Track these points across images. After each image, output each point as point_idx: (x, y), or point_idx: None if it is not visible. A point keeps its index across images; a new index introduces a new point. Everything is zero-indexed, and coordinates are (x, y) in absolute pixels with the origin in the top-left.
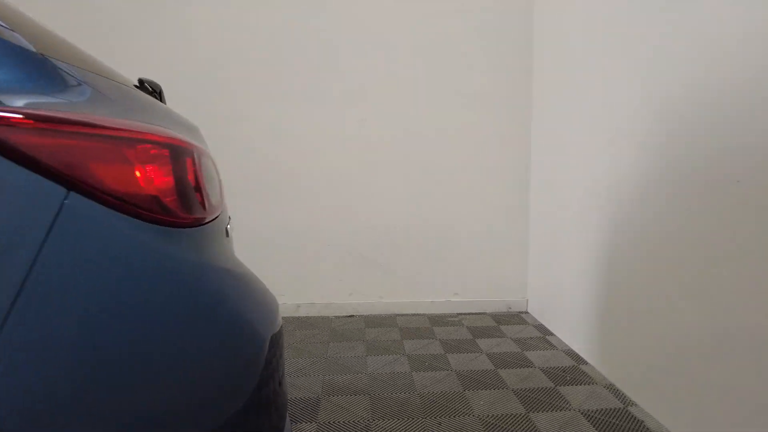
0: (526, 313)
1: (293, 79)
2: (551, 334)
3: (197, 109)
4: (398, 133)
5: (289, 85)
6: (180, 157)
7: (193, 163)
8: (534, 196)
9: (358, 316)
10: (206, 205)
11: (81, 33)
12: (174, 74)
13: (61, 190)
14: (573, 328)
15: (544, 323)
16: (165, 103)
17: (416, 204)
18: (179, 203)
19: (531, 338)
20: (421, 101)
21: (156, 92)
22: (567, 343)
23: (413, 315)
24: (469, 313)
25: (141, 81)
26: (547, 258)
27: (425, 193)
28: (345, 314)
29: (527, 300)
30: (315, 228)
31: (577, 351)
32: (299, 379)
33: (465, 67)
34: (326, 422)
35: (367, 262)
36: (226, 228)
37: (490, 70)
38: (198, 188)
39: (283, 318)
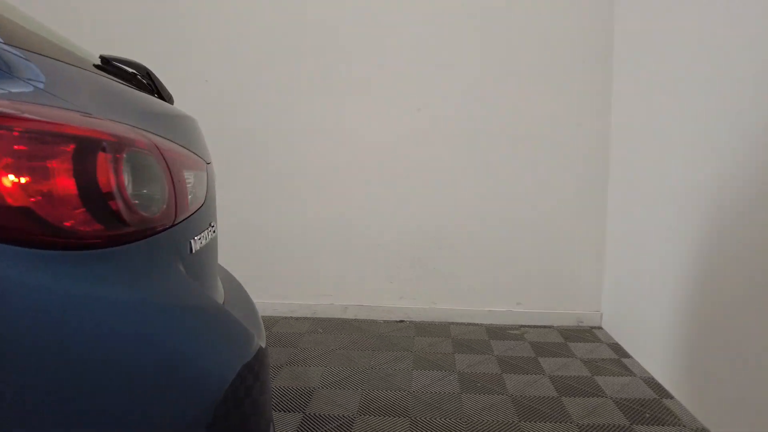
0: (600, 329)
1: (340, 67)
2: (628, 356)
3: (245, 106)
4: (456, 125)
5: (337, 75)
6: (89, 153)
7: (112, 161)
8: (614, 194)
9: (409, 321)
10: (126, 216)
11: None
12: (224, 72)
13: None
14: (656, 352)
15: (620, 342)
16: (158, 89)
17: (475, 203)
18: (83, 215)
19: (604, 360)
20: (482, 90)
21: (134, 74)
22: (647, 369)
23: (469, 324)
24: (532, 326)
25: (106, 60)
26: (627, 266)
27: (485, 191)
28: (395, 319)
29: (601, 314)
30: (363, 226)
31: (659, 380)
32: (336, 391)
33: (532, 53)
34: None
35: (419, 264)
36: (190, 243)
37: (561, 56)
38: (110, 194)
39: (330, 319)
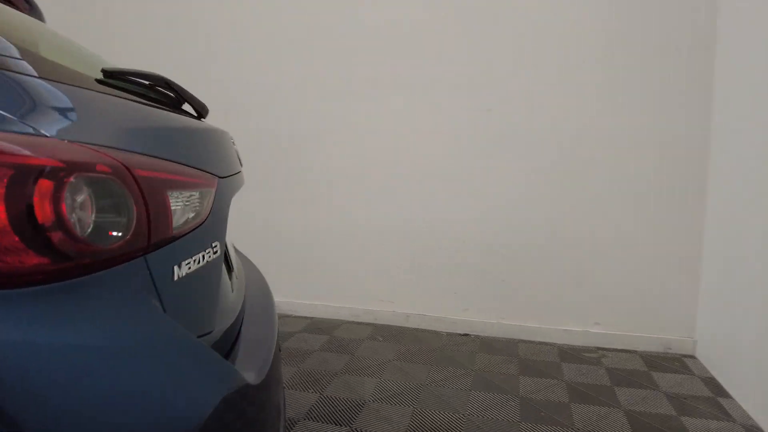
0: (692, 358)
1: (401, 64)
2: (727, 395)
3: (295, 111)
4: (527, 129)
5: (400, 73)
6: (26, 181)
7: (54, 188)
8: (714, 204)
9: (474, 336)
10: (67, 248)
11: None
12: (277, 76)
13: None
14: (764, 393)
15: (717, 377)
16: (184, 98)
17: (549, 211)
18: (16, 249)
19: (695, 397)
20: (556, 91)
21: (150, 86)
22: (751, 414)
23: (540, 344)
24: (612, 349)
25: (109, 73)
26: (730, 288)
27: (561, 198)
28: (458, 332)
29: (695, 341)
30: (427, 232)
31: (766, 430)
32: (386, 406)
33: (615, 46)
34: None
35: (486, 275)
36: (174, 269)
37: (651, 46)
38: (47, 225)
39: (391, 327)
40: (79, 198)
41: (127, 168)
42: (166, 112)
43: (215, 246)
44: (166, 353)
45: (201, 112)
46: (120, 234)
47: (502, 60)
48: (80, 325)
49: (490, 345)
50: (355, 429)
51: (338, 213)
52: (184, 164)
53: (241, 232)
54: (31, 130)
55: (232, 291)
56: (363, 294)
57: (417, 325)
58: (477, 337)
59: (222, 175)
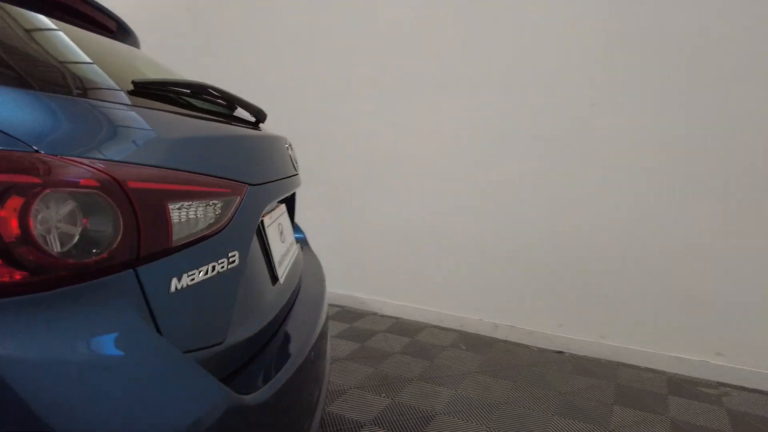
0: None
1: (494, 60)
2: None
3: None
4: (643, 126)
5: (497, 65)
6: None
7: (23, 204)
8: None
9: (569, 354)
10: (28, 261)
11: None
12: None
13: None
14: None
15: None
16: (235, 103)
17: (664, 218)
18: None
19: None
20: (678, 87)
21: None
22: None
23: (645, 370)
24: (737, 387)
25: (141, 85)
26: None
27: (678, 203)
28: (552, 348)
29: None
30: (520, 239)
31: None
32: (458, 422)
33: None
34: None
35: (588, 288)
36: (172, 281)
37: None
38: (12, 241)
39: (477, 336)
40: (58, 212)
41: (116, 180)
42: (193, 120)
43: (233, 256)
44: (138, 368)
45: (257, 117)
46: (102, 247)
47: (605, 49)
48: (51, 336)
49: (585, 366)
50: None
51: (417, 209)
52: (200, 174)
53: (336, 227)
54: (9, 146)
55: (265, 298)
56: (450, 298)
57: (505, 337)
58: (572, 356)
59: (255, 182)
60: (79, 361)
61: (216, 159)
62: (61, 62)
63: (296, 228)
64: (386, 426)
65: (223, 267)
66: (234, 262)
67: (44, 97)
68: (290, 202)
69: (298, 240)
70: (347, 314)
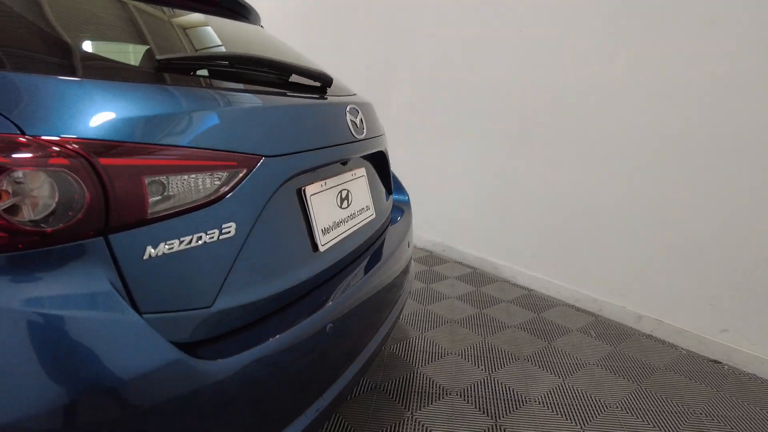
0: None
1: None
2: None
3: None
4: None
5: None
6: None
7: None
8: None
9: (727, 367)
10: None
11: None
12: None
13: None
14: None
15: None
16: (290, 70)
17: None
18: None
19: None
20: None
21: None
22: None
23: None
24: None
25: (165, 61)
26: None
27: None
28: (707, 356)
29: None
30: (703, 229)
31: None
32: (551, 415)
33: None
34: None
35: (759, 291)
36: (147, 248)
37: None
38: None
39: (616, 324)
40: (24, 187)
41: (87, 158)
42: (213, 93)
43: (227, 227)
44: (93, 321)
45: (321, 81)
46: (66, 219)
47: None
48: (16, 287)
49: (746, 385)
50: (500, 426)
51: (600, 181)
52: (196, 147)
53: (481, 186)
54: None
55: (292, 265)
56: (593, 278)
57: (649, 331)
58: (731, 369)
59: (276, 153)
60: (36, 310)
61: (223, 132)
62: (38, 37)
63: (397, 190)
64: (470, 399)
65: (212, 238)
66: (229, 233)
67: (19, 76)
68: (381, 166)
69: (397, 203)
70: (478, 277)
